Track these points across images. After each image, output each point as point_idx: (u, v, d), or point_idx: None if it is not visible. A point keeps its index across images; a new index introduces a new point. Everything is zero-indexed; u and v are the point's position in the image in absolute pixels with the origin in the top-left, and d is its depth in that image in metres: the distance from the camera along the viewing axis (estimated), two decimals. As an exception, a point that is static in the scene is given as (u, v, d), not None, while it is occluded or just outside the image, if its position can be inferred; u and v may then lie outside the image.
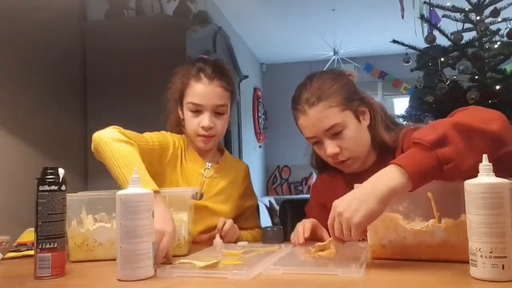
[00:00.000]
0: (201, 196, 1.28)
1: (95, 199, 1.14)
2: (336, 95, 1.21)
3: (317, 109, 1.19)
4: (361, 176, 0.99)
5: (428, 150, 0.89)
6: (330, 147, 1.20)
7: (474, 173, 0.81)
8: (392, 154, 1.23)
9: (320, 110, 1.19)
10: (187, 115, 1.41)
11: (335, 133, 1.20)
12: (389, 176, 0.90)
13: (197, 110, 1.39)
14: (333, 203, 0.94)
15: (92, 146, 1.22)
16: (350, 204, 0.90)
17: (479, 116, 0.95)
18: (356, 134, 1.22)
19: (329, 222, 0.95)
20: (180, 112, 1.46)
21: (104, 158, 1.18)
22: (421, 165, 0.89)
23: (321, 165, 1.39)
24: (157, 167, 1.37)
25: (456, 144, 0.89)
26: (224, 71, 1.43)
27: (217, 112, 1.40)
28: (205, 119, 1.38)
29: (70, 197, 1.03)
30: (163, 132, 1.45)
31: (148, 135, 1.37)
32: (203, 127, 1.38)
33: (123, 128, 1.27)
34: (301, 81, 1.28)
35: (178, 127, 1.49)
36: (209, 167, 1.43)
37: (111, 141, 1.18)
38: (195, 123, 1.39)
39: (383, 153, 1.26)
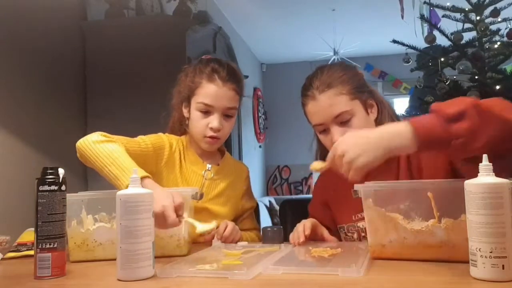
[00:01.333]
0: (201, 196, 1.27)
1: (95, 199, 1.14)
2: (346, 83, 1.22)
3: (327, 95, 1.20)
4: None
5: (443, 121, 0.89)
6: (337, 135, 1.19)
7: (479, 156, 0.82)
8: None
9: (330, 96, 1.20)
10: (195, 114, 1.39)
11: (343, 121, 1.20)
12: (398, 133, 0.92)
13: (207, 111, 1.37)
14: (334, 144, 0.98)
15: (78, 154, 1.20)
16: (355, 147, 0.93)
17: (502, 104, 0.94)
18: (364, 124, 1.22)
19: (328, 159, 1.00)
20: (185, 110, 1.44)
21: (90, 162, 1.16)
22: (431, 132, 0.89)
23: None
24: (154, 170, 1.35)
25: (471, 123, 0.88)
26: (237, 74, 1.43)
27: (226, 115, 1.39)
28: (214, 120, 1.36)
29: (70, 197, 1.03)
30: (159, 134, 1.43)
31: (140, 138, 1.35)
32: (211, 128, 1.36)
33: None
34: (310, 73, 1.29)
35: (181, 126, 1.48)
36: (209, 168, 1.43)
37: (93, 144, 1.16)
38: (203, 123, 1.38)
39: None
